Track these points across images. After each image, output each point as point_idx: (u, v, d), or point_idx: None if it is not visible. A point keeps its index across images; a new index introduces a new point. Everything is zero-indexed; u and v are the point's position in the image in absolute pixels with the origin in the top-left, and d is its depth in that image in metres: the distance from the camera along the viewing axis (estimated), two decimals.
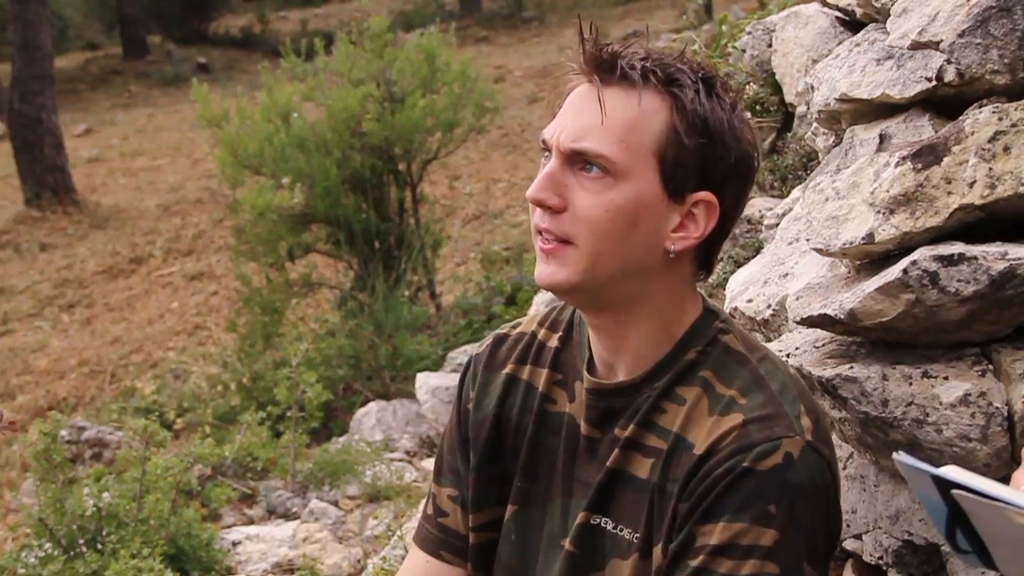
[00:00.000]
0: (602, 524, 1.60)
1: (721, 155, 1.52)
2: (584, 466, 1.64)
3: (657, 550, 1.53)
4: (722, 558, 1.45)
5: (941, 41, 2.08)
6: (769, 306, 2.41)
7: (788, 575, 1.45)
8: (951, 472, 1.07)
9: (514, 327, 1.81)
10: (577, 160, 1.52)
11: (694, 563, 1.47)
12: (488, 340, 1.82)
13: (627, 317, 1.58)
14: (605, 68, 1.53)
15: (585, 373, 1.65)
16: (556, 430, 1.68)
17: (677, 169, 1.51)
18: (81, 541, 3.95)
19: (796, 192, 2.90)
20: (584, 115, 1.52)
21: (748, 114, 1.63)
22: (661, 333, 1.59)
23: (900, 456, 1.10)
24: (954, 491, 1.05)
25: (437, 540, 1.81)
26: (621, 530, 1.58)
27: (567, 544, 1.62)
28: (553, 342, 1.73)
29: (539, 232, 1.55)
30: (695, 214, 1.54)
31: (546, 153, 1.56)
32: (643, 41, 1.58)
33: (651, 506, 1.55)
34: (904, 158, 1.94)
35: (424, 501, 1.87)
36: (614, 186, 1.50)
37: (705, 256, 1.60)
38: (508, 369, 1.75)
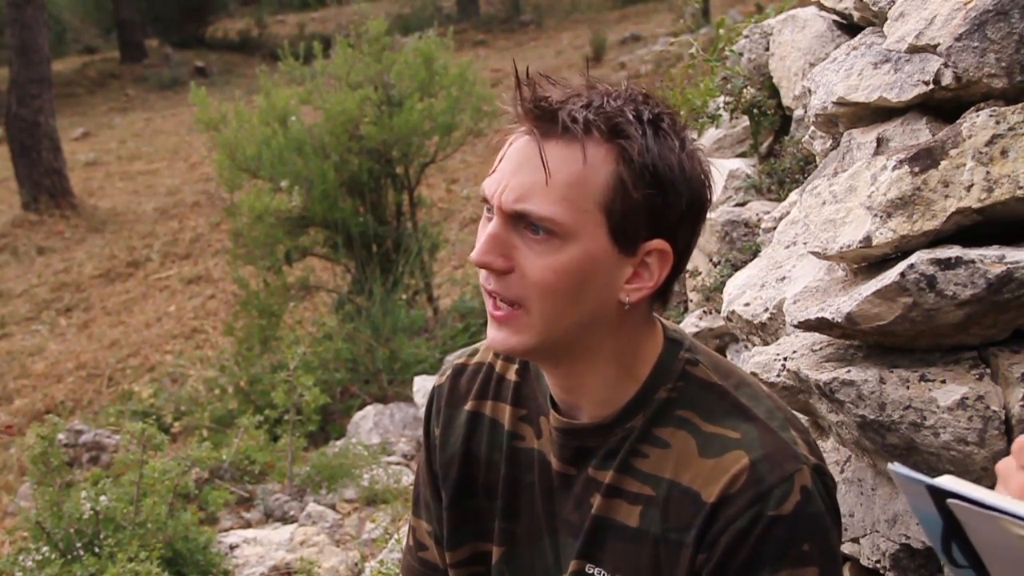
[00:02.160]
0: (596, 574, 1.57)
1: (672, 203, 1.45)
2: (562, 503, 1.61)
3: None
4: None
5: (938, 45, 2.08)
6: (766, 309, 2.41)
7: None
8: (947, 482, 1.06)
9: (471, 355, 1.77)
10: (521, 220, 1.45)
11: None
12: (448, 371, 1.77)
13: (582, 367, 1.54)
14: (546, 119, 1.43)
15: (552, 411, 1.60)
16: (528, 467, 1.65)
17: (626, 222, 1.44)
18: (78, 544, 3.95)
19: (793, 195, 2.90)
20: (525, 172, 1.43)
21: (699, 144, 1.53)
22: (621, 374, 1.55)
23: (894, 467, 1.09)
24: (950, 501, 1.04)
25: (419, 573, 1.82)
26: None
27: None
28: (512, 375, 1.69)
29: (488, 294, 1.50)
30: (648, 263, 1.48)
31: (488, 206, 1.49)
32: (586, 83, 1.48)
33: (655, 556, 1.51)
34: (901, 161, 1.94)
35: (406, 529, 1.86)
36: (561, 247, 1.43)
37: (660, 297, 1.54)
38: (470, 405, 1.71)
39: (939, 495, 1.06)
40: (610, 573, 1.56)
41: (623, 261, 1.47)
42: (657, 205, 1.45)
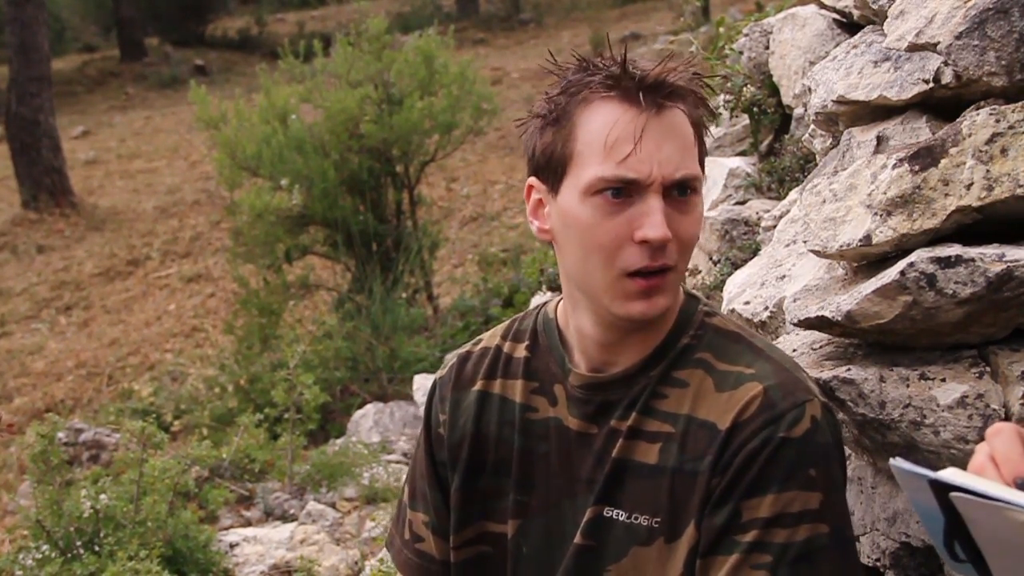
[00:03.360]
0: (615, 516, 1.60)
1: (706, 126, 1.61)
2: (580, 464, 1.64)
3: (689, 529, 1.54)
4: (776, 528, 1.48)
5: (938, 43, 2.08)
6: (766, 308, 2.41)
7: (837, 530, 1.50)
8: (949, 475, 1.06)
9: (475, 344, 1.81)
10: (674, 188, 1.52)
11: (747, 538, 1.49)
12: (452, 360, 1.82)
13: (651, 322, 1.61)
14: (664, 90, 1.53)
15: (573, 371, 1.66)
16: (543, 437, 1.68)
17: (702, 163, 1.59)
18: (78, 543, 3.95)
19: (793, 194, 2.90)
20: (668, 144, 1.52)
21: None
22: (659, 322, 1.62)
23: (896, 462, 1.09)
24: (952, 494, 1.05)
25: (416, 565, 1.83)
26: (636, 518, 1.58)
27: (578, 537, 1.63)
28: (521, 352, 1.73)
29: (651, 272, 1.53)
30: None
31: (617, 189, 1.52)
32: (639, 51, 1.60)
33: (672, 489, 1.56)
34: (901, 160, 1.94)
35: (399, 520, 1.87)
36: (697, 202, 1.55)
37: None
38: (478, 386, 1.75)
39: (941, 490, 1.06)
40: (628, 513, 1.60)
41: None
42: (703, 135, 1.60)
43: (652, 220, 1.50)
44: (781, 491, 1.48)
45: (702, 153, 1.58)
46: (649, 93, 1.51)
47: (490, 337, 1.80)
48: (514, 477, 1.69)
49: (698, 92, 1.56)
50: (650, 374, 1.60)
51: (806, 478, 1.49)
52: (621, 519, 1.59)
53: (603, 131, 1.51)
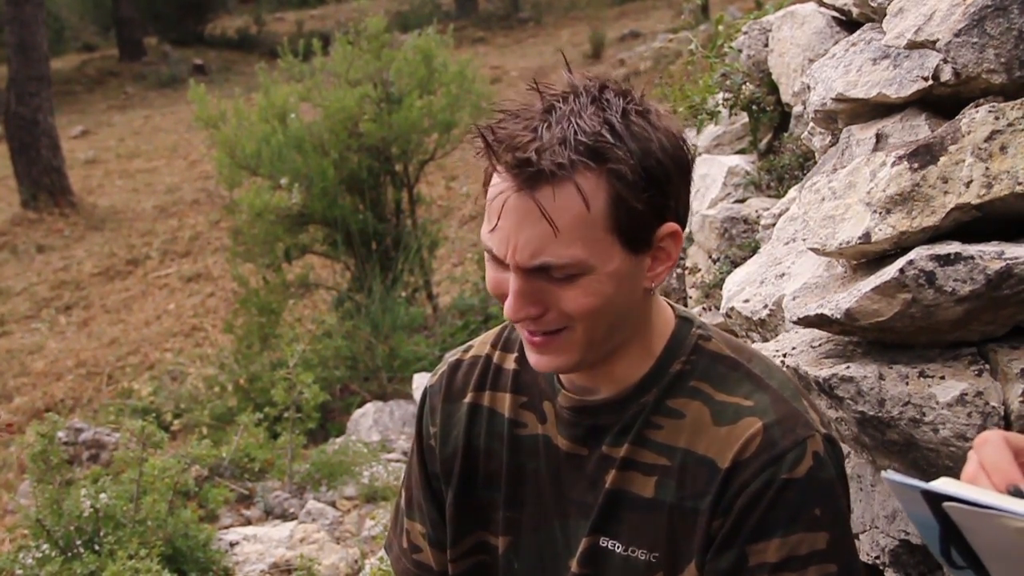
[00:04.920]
0: (610, 547, 1.57)
1: (669, 191, 1.46)
2: (573, 485, 1.61)
3: (690, 569, 1.51)
4: (785, 572, 1.46)
5: (937, 40, 2.08)
6: (766, 306, 2.41)
7: (845, 566, 1.48)
8: (941, 485, 1.06)
9: (466, 351, 1.76)
10: (542, 270, 1.44)
11: None
12: (443, 369, 1.77)
13: (612, 356, 1.55)
14: (530, 168, 1.39)
15: (562, 390, 1.61)
16: (533, 454, 1.65)
17: (635, 230, 1.45)
18: (78, 542, 3.95)
19: (793, 192, 2.90)
20: (529, 227, 1.41)
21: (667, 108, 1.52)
22: (641, 351, 1.57)
23: (888, 474, 1.09)
24: (946, 504, 1.04)
25: (414, 575, 1.81)
26: (633, 552, 1.55)
27: (574, 566, 1.60)
28: (510, 364, 1.69)
29: (528, 331, 1.50)
30: (664, 247, 1.50)
31: (491, 255, 1.47)
32: (542, 106, 1.43)
33: (670, 525, 1.53)
34: (900, 158, 1.94)
35: (397, 525, 1.85)
36: (586, 279, 1.44)
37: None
38: (468, 398, 1.71)
39: (934, 499, 1.05)
40: (624, 545, 1.56)
41: (642, 257, 1.49)
42: (657, 200, 1.45)
43: (509, 300, 1.46)
44: (787, 534, 1.45)
45: (615, 225, 1.42)
46: (519, 170, 1.40)
47: (480, 344, 1.75)
48: (504, 493, 1.67)
49: (596, 152, 1.40)
50: (641, 400, 1.56)
51: (811, 519, 1.46)
52: (618, 551, 1.57)
53: (491, 192, 1.45)
